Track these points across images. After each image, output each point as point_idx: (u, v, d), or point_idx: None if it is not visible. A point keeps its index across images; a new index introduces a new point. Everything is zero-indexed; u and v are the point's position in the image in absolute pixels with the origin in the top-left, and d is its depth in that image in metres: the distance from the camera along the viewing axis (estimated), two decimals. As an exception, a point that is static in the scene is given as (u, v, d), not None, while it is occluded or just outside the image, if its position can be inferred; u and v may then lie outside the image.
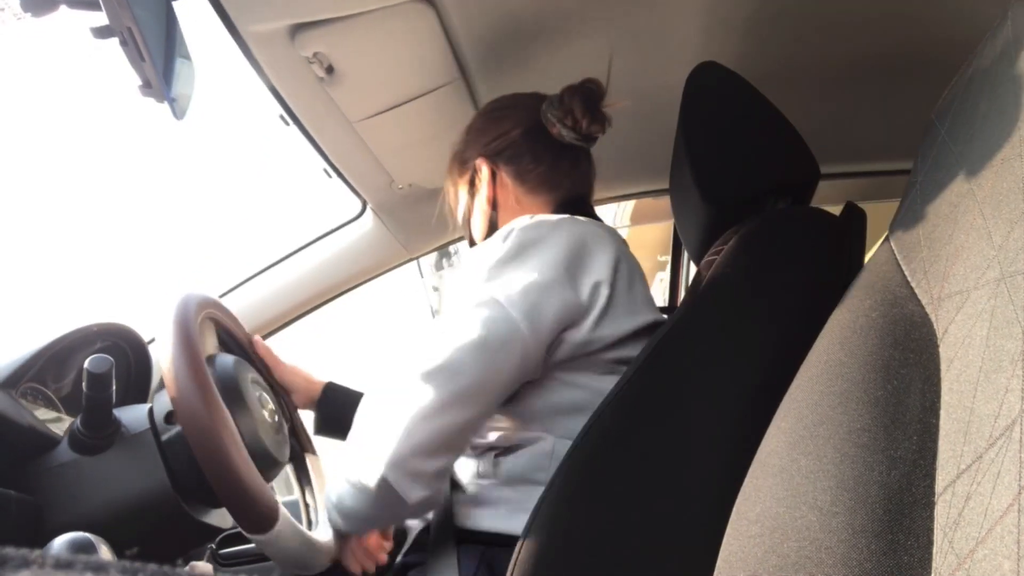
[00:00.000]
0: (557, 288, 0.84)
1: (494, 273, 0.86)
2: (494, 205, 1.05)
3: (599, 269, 0.88)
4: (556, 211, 1.02)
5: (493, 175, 1.04)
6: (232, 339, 1.08)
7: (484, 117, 1.09)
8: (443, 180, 1.14)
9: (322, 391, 1.15)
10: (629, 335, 0.89)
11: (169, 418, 0.86)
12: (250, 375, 0.98)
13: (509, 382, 0.85)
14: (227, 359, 0.96)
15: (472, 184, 1.07)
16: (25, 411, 0.85)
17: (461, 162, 1.08)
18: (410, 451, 0.79)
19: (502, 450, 0.91)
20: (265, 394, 1.01)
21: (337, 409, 1.12)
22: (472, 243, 1.13)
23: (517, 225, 0.89)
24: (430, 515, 0.96)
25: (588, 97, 1.00)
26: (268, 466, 0.91)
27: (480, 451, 0.93)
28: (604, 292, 0.87)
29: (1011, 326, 0.36)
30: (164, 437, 0.86)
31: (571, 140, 1.02)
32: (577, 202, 1.04)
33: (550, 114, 1.02)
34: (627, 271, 0.92)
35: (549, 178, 1.04)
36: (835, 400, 0.49)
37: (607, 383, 0.84)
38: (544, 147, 1.03)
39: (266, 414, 0.98)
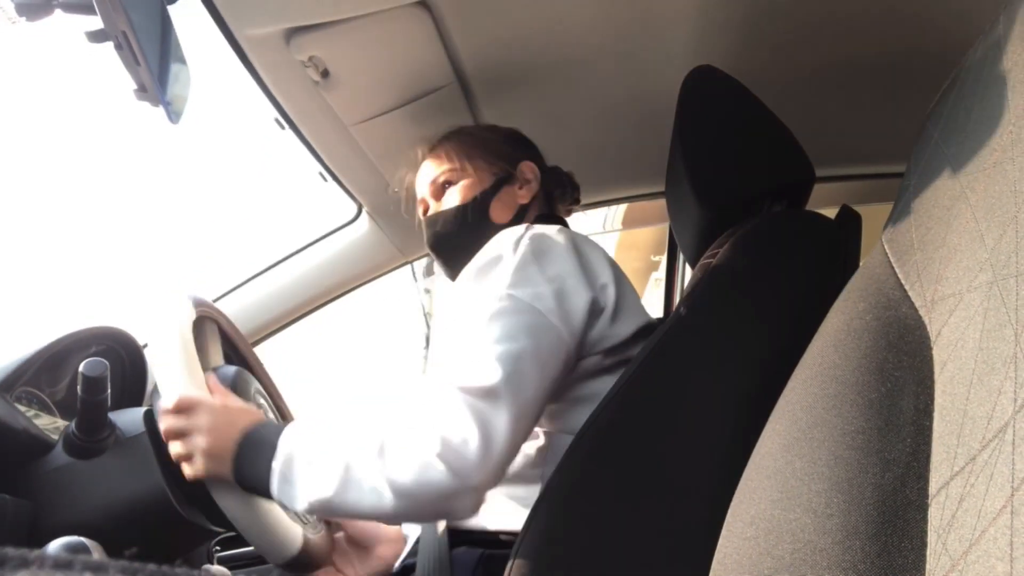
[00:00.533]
0: (581, 290, 0.84)
1: (518, 279, 0.83)
2: (520, 209, 1.09)
3: (602, 271, 0.89)
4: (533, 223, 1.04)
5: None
6: (227, 342, 1.08)
7: (521, 137, 1.15)
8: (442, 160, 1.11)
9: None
10: (630, 336, 0.89)
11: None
12: (253, 386, 0.98)
13: (555, 390, 0.84)
14: (229, 369, 0.96)
15: (507, 179, 1.09)
16: (20, 415, 0.85)
17: (502, 156, 1.10)
18: (496, 478, 0.74)
19: None
20: (266, 403, 1.02)
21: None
22: (440, 235, 1.08)
23: (524, 233, 0.88)
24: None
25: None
26: None
27: None
28: (612, 292, 0.88)
29: (1003, 329, 0.36)
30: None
31: (569, 200, 1.22)
32: (548, 217, 1.10)
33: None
34: (620, 273, 0.92)
35: (553, 204, 1.16)
36: (829, 402, 0.49)
37: (601, 382, 0.84)
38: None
39: None
